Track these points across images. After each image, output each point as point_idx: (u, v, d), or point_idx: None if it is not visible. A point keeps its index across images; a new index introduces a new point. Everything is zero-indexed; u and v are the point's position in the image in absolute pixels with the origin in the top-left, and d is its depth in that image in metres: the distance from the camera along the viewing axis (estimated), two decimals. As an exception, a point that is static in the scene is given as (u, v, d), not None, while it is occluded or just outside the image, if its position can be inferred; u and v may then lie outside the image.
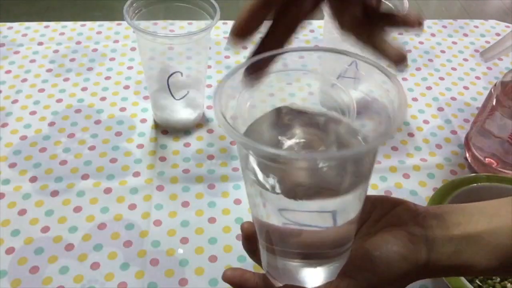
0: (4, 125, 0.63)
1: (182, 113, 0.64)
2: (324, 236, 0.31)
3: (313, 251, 0.32)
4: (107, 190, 0.56)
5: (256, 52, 0.36)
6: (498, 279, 0.47)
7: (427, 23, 0.87)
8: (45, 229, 0.52)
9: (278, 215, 0.30)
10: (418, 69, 0.76)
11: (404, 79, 0.73)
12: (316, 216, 0.30)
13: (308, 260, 0.33)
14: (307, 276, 0.33)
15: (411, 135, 0.65)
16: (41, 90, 0.69)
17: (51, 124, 0.64)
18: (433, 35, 0.84)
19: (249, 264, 0.50)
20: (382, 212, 0.35)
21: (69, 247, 0.51)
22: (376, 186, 0.59)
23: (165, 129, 0.64)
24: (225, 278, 0.36)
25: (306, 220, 0.30)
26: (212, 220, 0.54)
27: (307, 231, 0.31)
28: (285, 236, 0.31)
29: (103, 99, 0.68)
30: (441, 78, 0.75)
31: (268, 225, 0.31)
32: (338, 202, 0.29)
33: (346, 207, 0.30)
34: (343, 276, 0.32)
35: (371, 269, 0.32)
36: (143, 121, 0.65)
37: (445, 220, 0.33)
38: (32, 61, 0.74)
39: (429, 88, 0.73)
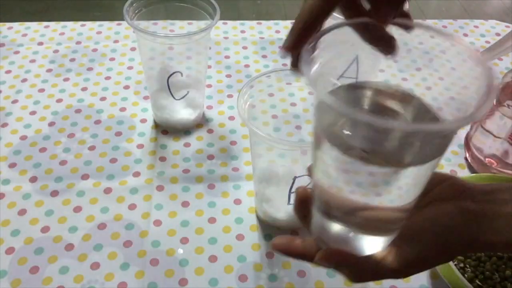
0: (4, 125, 0.63)
1: (182, 113, 0.64)
2: (389, 213, 0.32)
3: (374, 224, 0.33)
4: (107, 190, 0.56)
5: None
6: (498, 279, 0.47)
7: (427, 23, 0.87)
8: (45, 229, 0.52)
9: (348, 182, 0.31)
10: (418, 69, 0.76)
11: (404, 79, 0.73)
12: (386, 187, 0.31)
13: (367, 231, 0.34)
14: (360, 245, 0.34)
15: (411, 135, 0.65)
16: (41, 90, 0.69)
17: (51, 124, 0.64)
18: (433, 35, 0.84)
19: (249, 264, 0.50)
20: (431, 186, 0.35)
21: (69, 247, 0.51)
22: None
23: (165, 129, 0.64)
24: (274, 247, 0.36)
25: (374, 189, 0.31)
26: (212, 220, 0.54)
27: (375, 207, 0.32)
28: (350, 208, 0.32)
29: (103, 99, 0.68)
30: (441, 78, 0.75)
31: (333, 194, 0.32)
32: (410, 174, 0.30)
33: (416, 182, 0.31)
34: (392, 246, 0.33)
35: (420, 241, 0.32)
36: (143, 121, 0.65)
37: (494, 196, 0.34)
38: (32, 61, 0.74)
39: (429, 88, 0.73)
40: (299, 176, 0.46)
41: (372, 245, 0.34)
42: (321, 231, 0.35)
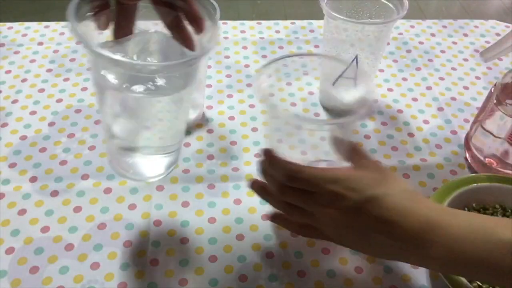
0: (4, 125, 0.63)
1: (182, 113, 0.64)
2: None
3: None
4: (107, 190, 0.56)
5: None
6: (498, 279, 0.47)
7: (427, 23, 0.87)
8: (45, 229, 0.52)
9: None
10: (418, 69, 0.76)
11: (404, 79, 0.73)
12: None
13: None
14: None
15: (411, 135, 0.65)
16: (41, 90, 0.69)
17: (51, 124, 0.64)
18: (433, 35, 0.84)
19: (249, 264, 0.50)
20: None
21: (69, 247, 0.51)
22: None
23: (165, 129, 0.64)
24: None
25: None
26: (212, 220, 0.54)
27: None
28: None
29: (103, 99, 0.68)
30: (441, 78, 0.75)
31: None
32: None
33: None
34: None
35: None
36: (143, 121, 0.65)
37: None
38: (32, 61, 0.74)
39: (429, 88, 0.73)
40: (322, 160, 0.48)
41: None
42: None
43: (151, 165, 0.49)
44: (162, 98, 0.41)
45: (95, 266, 0.49)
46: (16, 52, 0.75)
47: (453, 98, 0.72)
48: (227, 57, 0.77)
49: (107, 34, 0.42)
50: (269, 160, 0.45)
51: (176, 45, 0.42)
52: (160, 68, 0.39)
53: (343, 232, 0.43)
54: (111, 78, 0.39)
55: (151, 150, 0.47)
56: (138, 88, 0.39)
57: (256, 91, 0.40)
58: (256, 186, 0.49)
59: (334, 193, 0.41)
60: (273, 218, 0.50)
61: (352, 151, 0.45)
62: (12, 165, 0.58)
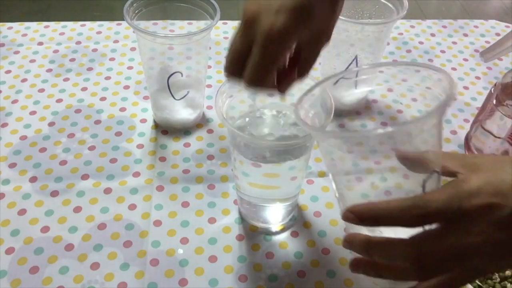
0: (4, 125, 0.63)
1: (182, 113, 0.64)
2: None
3: None
4: (107, 190, 0.56)
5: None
6: (498, 279, 0.47)
7: (427, 23, 0.87)
8: (45, 229, 0.52)
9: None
10: (417, 70, 0.76)
11: (404, 79, 0.73)
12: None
13: None
14: None
15: (411, 135, 0.65)
16: (41, 90, 0.69)
17: (51, 124, 0.64)
18: (433, 35, 0.84)
19: (249, 264, 0.50)
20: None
21: (69, 247, 0.51)
22: (376, 186, 0.59)
23: (165, 129, 0.64)
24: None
25: None
26: (212, 220, 0.54)
27: None
28: None
29: (103, 99, 0.68)
30: (440, 80, 0.75)
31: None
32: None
33: None
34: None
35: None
36: (143, 121, 0.65)
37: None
38: (32, 61, 0.74)
39: (429, 88, 0.73)
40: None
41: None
42: None
43: (276, 213, 0.54)
44: (295, 163, 0.47)
45: (95, 266, 0.49)
46: (16, 52, 0.75)
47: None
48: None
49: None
50: (363, 218, 0.34)
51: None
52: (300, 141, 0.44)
53: (503, 253, 0.33)
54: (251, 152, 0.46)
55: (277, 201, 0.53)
56: (273, 158, 0.46)
57: (301, 123, 0.37)
58: (363, 266, 0.36)
59: (481, 207, 0.31)
60: (361, 267, 0.37)
61: (450, 157, 0.36)
62: (12, 165, 0.58)
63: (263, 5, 0.37)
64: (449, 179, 0.35)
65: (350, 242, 0.36)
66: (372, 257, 0.35)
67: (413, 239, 0.33)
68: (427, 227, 0.33)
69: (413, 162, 0.35)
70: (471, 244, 0.32)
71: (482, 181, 0.32)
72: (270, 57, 0.37)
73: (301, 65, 0.40)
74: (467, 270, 0.34)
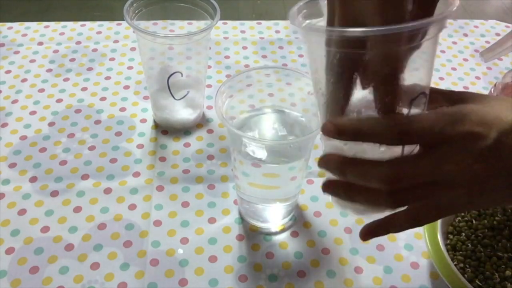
0: (4, 125, 0.63)
1: (182, 113, 0.64)
2: None
3: None
4: (107, 190, 0.56)
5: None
6: (498, 279, 0.47)
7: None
8: (45, 229, 0.52)
9: None
10: (416, 69, 0.76)
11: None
12: None
13: None
14: None
15: (411, 135, 0.65)
16: (41, 90, 0.69)
17: (51, 124, 0.64)
18: (433, 35, 0.84)
19: (249, 264, 0.50)
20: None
21: (69, 247, 0.51)
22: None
23: (165, 129, 0.64)
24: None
25: None
26: (212, 220, 0.54)
27: None
28: None
29: (103, 99, 0.68)
30: (441, 78, 0.75)
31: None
32: None
33: None
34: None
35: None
36: (143, 121, 0.65)
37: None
38: (32, 61, 0.74)
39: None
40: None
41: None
42: None
43: (276, 213, 0.54)
44: (295, 163, 0.47)
45: (95, 266, 0.49)
46: (16, 52, 0.75)
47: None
48: (227, 57, 0.77)
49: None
50: (343, 130, 0.32)
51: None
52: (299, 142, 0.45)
53: (484, 186, 0.32)
54: (251, 151, 0.46)
55: (277, 202, 0.53)
56: (273, 158, 0.47)
57: None
58: (335, 186, 0.35)
59: (464, 134, 0.30)
60: (333, 187, 0.36)
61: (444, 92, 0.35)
62: (12, 165, 0.58)
63: None
64: None
65: (326, 160, 0.34)
66: (346, 176, 0.33)
67: (390, 160, 0.32)
68: (406, 149, 0.33)
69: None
70: (448, 172, 0.31)
71: (467, 109, 0.31)
72: (394, 13, 0.31)
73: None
74: (440, 203, 0.33)
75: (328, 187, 0.35)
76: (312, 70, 0.35)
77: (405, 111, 0.33)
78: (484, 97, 0.34)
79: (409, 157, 0.32)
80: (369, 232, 0.37)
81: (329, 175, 0.35)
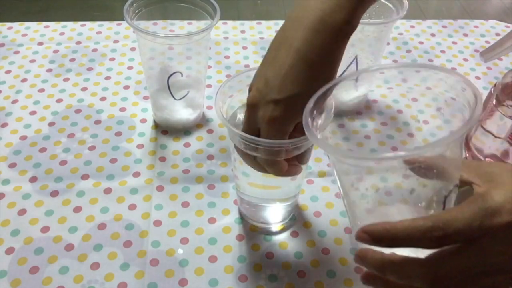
0: (4, 125, 0.63)
1: (182, 113, 0.64)
2: None
3: None
4: (107, 190, 0.56)
5: None
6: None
7: (427, 23, 0.87)
8: (45, 229, 0.52)
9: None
10: (417, 71, 0.76)
11: (404, 80, 0.73)
12: None
13: None
14: None
15: (410, 135, 0.65)
16: (41, 90, 0.69)
17: (51, 124, 0.64)
18: (433, 35, 0.84)
19: (249, 264, 0.50)
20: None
21: (69, 247, 0.51)
22: (376, 186, 0.59)
23: (165, 129, 0.64)
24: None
25: None
26: (212, 220, 0.54)
27: None
28: None
29: (103, 99, 0.68)
30: (441, 79, 0.75)
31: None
32: None
33: None
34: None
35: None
36: (143, 121, 0.65)
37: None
38: (32, 61, 0.74)
39: (428, 88, 0.73)
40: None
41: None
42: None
43: (276, 213, 0.54)
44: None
45: (95, 266, 0.49)
46: (16, 52, 0.75)
47: (453, 98, 0.71)
48: (227, 57, 0.77)
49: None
50: (378, 239, 0.32)
51: None
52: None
53: None
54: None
55: (277, 202, 0.53)
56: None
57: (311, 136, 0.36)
58: (375, 280, 0.35)
59: (503, 225, 0.30)
60: (373, 281, 0.36)
61: (471, 167, 0.36)
62: (12, 165, 0.58)
63: (262, 95, 0.40)
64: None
65: (362, 258, 0.34)
66: (386, 275, 0.33)
67: (430, 259, 0.31)
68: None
69: (425, 165, 0.34)
70: (492, 264, 0.31)
71: (503, 197, 0.31)
72: (274, 139, 0.41)
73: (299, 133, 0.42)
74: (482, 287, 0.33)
75: (368, 280, 0.35)
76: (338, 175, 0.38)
77: (440, 207, 0.34)
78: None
79: (450, 253, 0.31)
80: None
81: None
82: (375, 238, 0.32)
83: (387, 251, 0.33)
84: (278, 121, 0.40)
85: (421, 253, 0.32)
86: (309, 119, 0.37)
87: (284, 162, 0.43)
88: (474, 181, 0.34)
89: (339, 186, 0.38)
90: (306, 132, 0.36)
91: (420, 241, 0.31)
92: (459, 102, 0.35)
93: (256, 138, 0.41)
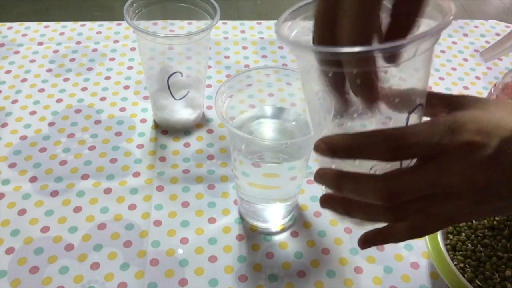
0: (4, 125, 0.63)
1: (182, 113, 0.64)
2: None
3: None
4: (107, 190, 0.56)
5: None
6: (498, 279, 0.47)
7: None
8: (45, 229, 0.52)
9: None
10: (416, 69, 0.76)
11: (404, 79, 0.73)
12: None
13: None
14: None
15: (411, 135, 0.65)
16: (41, 90, 0.69)
17: (51, 124, 0.64)
18: (433, 35, 0.84)
19: (249, 264, 0.50)
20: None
21: (69, 247, 0.51)
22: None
23: (165, 129, 0.64)
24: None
25: None
26: (212, 220, 0.54)
27: None
28: None
29: (103, 99, 0.68)
30: (441, 78, 0.75)
31: None
32: None
33: None
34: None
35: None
36: (143, 121, 0.65)
37: None
38: (32, 61, 0.74)
39: (428, 88, 0.73)
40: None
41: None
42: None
43: (276, 213, 0.54)
44: (295, 163, 0.47)
45: (95, 266, 0.49)
46: (16, 52, 0.75)
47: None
48: (227, 57, 0.77)
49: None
50: (335, 149, 0.31)
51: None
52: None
53: (486, 196, 0.31)
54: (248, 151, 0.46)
55: (277, 201, 0.53)
56: (272, 157, 0.47)
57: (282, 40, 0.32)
58: (333, 201, 0.34)
59: (463, 144, 0.29)
60: (330, 202, 0.35)
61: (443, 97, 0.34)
62: (12, 165, 0.58)
63: None
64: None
65: (321, 175, 0.33)
66: (343, 191, 0.32)
67: (387, 174, 0.31)
68: (404, 164, 0.32)
69: (399, 96, 0.32)
70: (448, 183, 0.30)
71: (466, 117, 0.30)
72: (366, 10, 0.30)
73: (402, 22, 0.33)
74: (441, 214, 0.32)
75: (325, 202, 0.35)
76: (303, 81, 0.35)
77: (403, 124, 0.32)
78: (483, 101, 0.33)
79: (406, 171, 0.31)
80: (367, 241, 0.35)
81: (326, 189, 0.35)
82: (332, 147, 0.31)
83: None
84: None
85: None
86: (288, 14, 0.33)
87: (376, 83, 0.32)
88: (442, 110, 0.33)
89: (305, 95, 0.35)
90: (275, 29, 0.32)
91: (375, 151, 0.30)
92: None
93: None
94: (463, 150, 0.29)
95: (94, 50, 0.76)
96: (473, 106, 0.32)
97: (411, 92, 0.33)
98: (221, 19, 0.57)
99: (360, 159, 0.32)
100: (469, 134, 0.29)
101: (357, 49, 0.27)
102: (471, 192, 0.30)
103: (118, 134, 0.63)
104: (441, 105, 0.34)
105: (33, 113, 0.65)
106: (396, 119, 0.32)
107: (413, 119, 0.33)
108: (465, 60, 0.79)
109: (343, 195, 0.33)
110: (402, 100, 0.32)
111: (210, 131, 0.65)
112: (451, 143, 0.29)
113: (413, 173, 0.30)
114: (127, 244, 0.51)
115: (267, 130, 0.52)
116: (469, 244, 0.50)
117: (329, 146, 0.31)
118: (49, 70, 0.72)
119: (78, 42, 0.78)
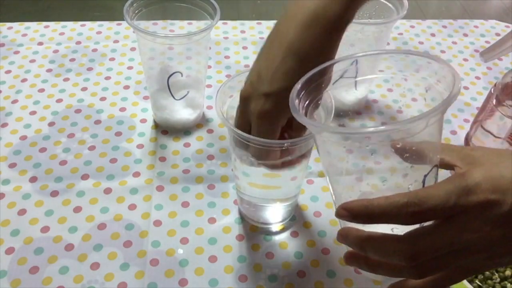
0: (4, 125, 0.63)
1: (182, 113, 0.64)
2: None
3: None
4: (107, 190, 0.56)
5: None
6: (498, 279, 0.47)
7: (427, 23, 0.87)
8: (45, 229, 0.52)
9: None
10: (417, 70, 0.76)
11: (404, 79, 0.73)
12: None
13: None
14: None
15: (411, 135, 0.65)
16: (41, 90, 0.69)
17: (51, 124, 0.64)
18: (433, 35, 0.84)
19: (249, 264, 0.50)
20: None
21: (69, 247, 0.51)
22: (376, 186, 0.59)
23: (165, 129, 0.64)
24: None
25: None
26: (212, 220, 0.54)
27: None
28: None
29: (103, 99, 0.68)
30: (440, 80, 0.75)
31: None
32: None
33: None
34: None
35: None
36: (143, 121, 0.65)
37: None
38: (32, 61, 0.74)
39: (429, 88, 0.73)
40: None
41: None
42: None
43: (276, 213, 0.54)
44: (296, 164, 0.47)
45: (95, 266, 0.49)
46: (16, 52, 0.75)
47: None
48: (227, 57, 0.77)
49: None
50: (356, 215, 0.33)
51: None
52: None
53: (504, 249, 0.32)
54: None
55: (277, 201, 0.53)
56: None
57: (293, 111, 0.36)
58: (357, 259, 0.36)
59: (479, 204, 0.31)
60: (355, 260, 0.37)
61: (450, 150, 0.36)
62: (12, 165, 0.58)
63: (254, 88, 0.40)
64: (447, 172, 0.35)
65: (344, 236, 0.35)
66: (366, 253, 0.34)
67: (408, 236, 0.32)
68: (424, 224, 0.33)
69: (411, 153, 0.35)
70: (467, 241, 0.31)
71: (480, 176, 0.31)
72: (265, 134, 0.41)
73: (294, 131, 0.43)
74: (463, 268, 0.33)
75: (349, 259, 0.36)
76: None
77: (420, 186, 0.34)
78: (495, 153, 0.34)
79: (427, 230, 0.32)
80: None
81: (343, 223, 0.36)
82: (353, 214, 0.33)
83: (369, 229, 0.34)
84: (269, 115, 0.39)
85: (402, 231, 0.32)
86: (296, 100, 0.36)
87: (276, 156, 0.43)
88: (456, 164, 0.34)
89: (331, 189, 0.39)
90: (292, 111, 0.35)
91: (396, 216, 0.31)
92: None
93: (246, 135, 0.41)
94: (480, 208, 0.31)
95: (94, 50, 0.76)
96: (486, 160, 0.34)
97: (426, 152, 0.35)
98: (221, 19, 0.57)
99: (380, 224, 0.33)
100: (484, 194, 0.31)
101: (370, 129, 0.30)
102: (490, 246, 0.32)
103: (118, 134, 0.63)
104: (454, 158, 0.35)
105: (33, 113, 0.65)
106: (412, 175, 0.35)
107: (429, 180, 0.35)
108: (465, 60, 0.79)
109: (366, 255, 0.35)
110: (419, 166, 0.35)
111: (210, 131, 0.65)
112: (468, 204, 0.31)
113: (434, 234, 0.32)
114: (127, 244, 0.51)
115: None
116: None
117: (350, 213, 0.33)
118: (49, 70, 0.72)
119: (78, 42, 0.78)
